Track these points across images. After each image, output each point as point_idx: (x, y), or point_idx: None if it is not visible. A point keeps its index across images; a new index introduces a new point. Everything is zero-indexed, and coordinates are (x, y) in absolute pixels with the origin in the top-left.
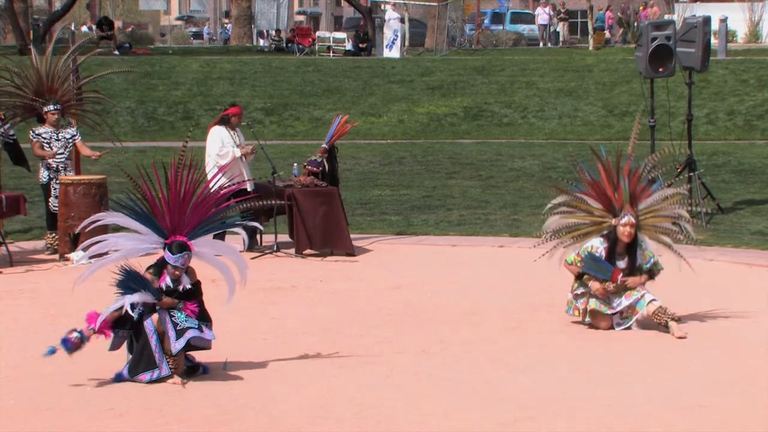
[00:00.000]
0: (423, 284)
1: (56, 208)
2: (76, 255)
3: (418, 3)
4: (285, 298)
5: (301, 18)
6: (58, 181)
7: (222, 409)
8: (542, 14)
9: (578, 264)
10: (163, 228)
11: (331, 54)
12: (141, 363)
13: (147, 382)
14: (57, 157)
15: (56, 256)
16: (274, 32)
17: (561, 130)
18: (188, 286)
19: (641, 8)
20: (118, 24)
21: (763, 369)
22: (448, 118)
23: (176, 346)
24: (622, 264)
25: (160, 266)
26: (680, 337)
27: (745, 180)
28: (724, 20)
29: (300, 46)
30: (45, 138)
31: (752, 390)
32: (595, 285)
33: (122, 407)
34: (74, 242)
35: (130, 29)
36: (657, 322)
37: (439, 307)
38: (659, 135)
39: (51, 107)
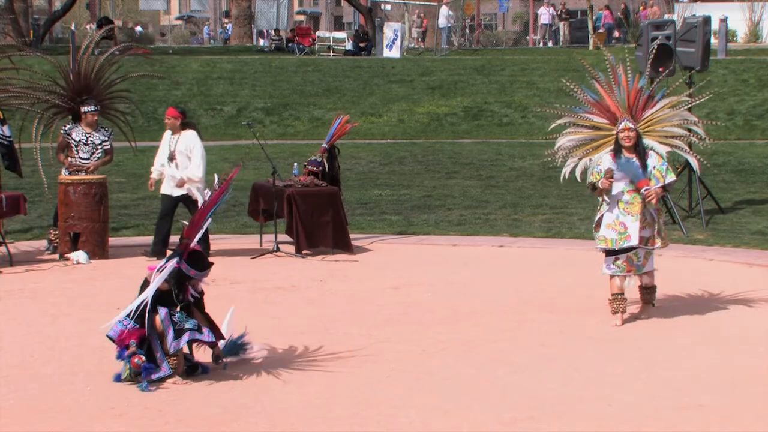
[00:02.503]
0: (423, 284)
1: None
2: (76, 254)
3: (417, 3)
4: (285, 298)
5: (301, 18)
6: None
7: (222, 408)
8: (545, 14)
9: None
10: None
11: (331, 54)
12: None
13: (148, 382)
14: (82, 160)
15: (56, 256)
16: (273, 32)
17: (560, 129)
18: (197, 295)
19: (641, 8)
20: (118, 23)
21: (762, 368)
22: (448, 118)
23: (174, 345)
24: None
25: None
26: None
27: (745, 180)
28: (724, 20)
29: (300, 46)
30: (75, 140)
31: (752, 389)
32: (603, 182)
33: (122, 407)
34: (74, 242)
35: (137, 27)
36: (642, 296)
37: (439, 307)
38: None
39: (91, 108)
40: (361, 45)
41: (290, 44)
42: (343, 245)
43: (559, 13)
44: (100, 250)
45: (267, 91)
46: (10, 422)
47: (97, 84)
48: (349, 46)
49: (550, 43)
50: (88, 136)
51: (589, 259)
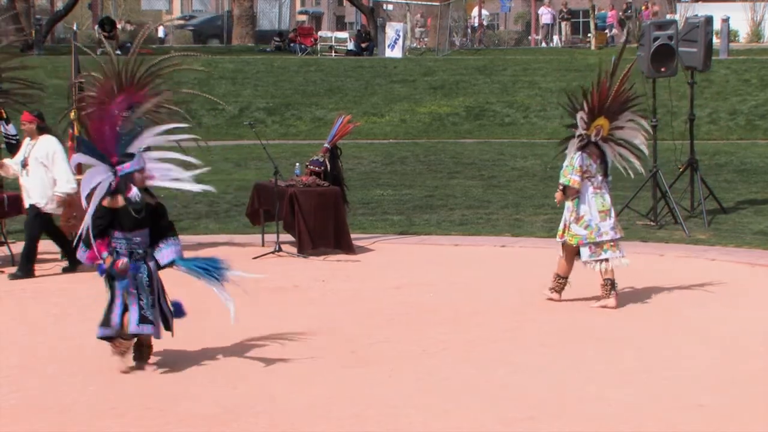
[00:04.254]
0: (424, 284)
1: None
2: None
3: (420, 3)
4: (287, 298)
5: (303, 18)
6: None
7: (223, 409)
8: (546, 14)
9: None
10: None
11: (333, 54)
12: (103, 318)
13: (98, 337)
14: None
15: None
16: (277, 36)
17: (563, 129)
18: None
19: (643, 8)
20: (120, 24)
21: (763, 369)
22: (450, 118)
23: (132, 329)
24: (594, 168)
25: (119, 189)
26: (603, 306)
27: (747, 180)
28: (726, 20)
29: (302, 46)
30: None
31: (752, 389)
32: (557, 195)
33: (123, 407)
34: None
35: (132, 29)
36: (602, 286)
37: (441, 307)
38: (661, 135)
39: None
40: (363, 45)
41: (292, 44)
42: (345, 245)
43: (561, 13)
44: None
45: (269, 91)
46: (11, 422)
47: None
48: (351, 46)
49: (557, 42)
50: None
51: None
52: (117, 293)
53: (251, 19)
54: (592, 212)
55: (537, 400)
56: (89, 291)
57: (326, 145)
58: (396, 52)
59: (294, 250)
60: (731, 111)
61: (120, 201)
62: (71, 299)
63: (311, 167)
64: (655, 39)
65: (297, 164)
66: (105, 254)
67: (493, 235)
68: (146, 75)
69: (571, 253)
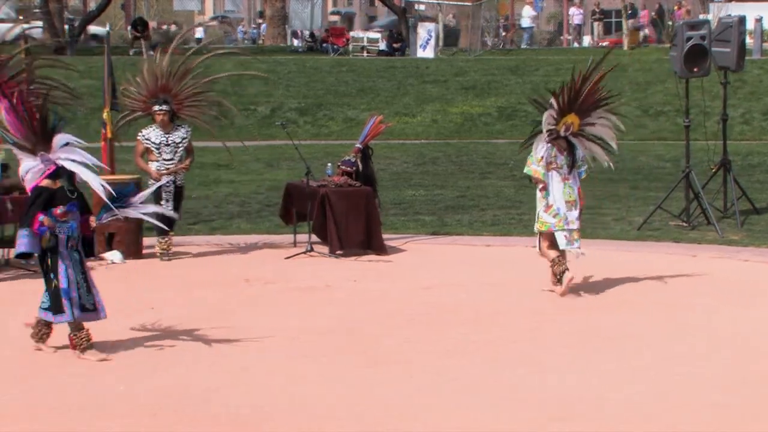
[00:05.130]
0: (456, 284)
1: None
2: (111, 254)
3: (451, 3)
4: (317, 298)
5: (335, 18)
6: (168, 185)
7: (245, 409)
8: (576, 14)
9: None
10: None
11: (365, 54)
12: (53, 305)
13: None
14: (166, 162)
15: (107, 258)
16: (307, 33)
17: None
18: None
19: (676, 8)
20: (152, 24)
21: None
22: (482, 118)
23: (78, 315)
24: (561, 160)
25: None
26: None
27: None
28: (759, 20)
29: (334, 46)
30: (154, 142)
31: None
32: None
33: (157, 406)
34: (109, 241)
35: (164, 29)
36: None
37: (470, 308)
38: (694, 135)
39: (158, 107)
40: (395, 45)
41: (324, 44)
42: (377, 246)
43: (593, 13)
44: (134, 250)
45: (301, 91)
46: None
47: (177, 84)
48: (382, 46)
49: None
50: (167, 136)
51: (620, 259)
52: (61, 278)
53: (283, 19)
54: (559, 202)
55: (562, 401)
56: (122, 291)
57: (358, 145)
58: (428, 53)
59: (325, 250)
60: (764, 111)
61: (57, 183)
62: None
63: (343, 167)
64: (688, 39)
65: (329, 164)
66: (41, 217)
67: (525, 236)
68: (178, 71)
69: (549, 239)
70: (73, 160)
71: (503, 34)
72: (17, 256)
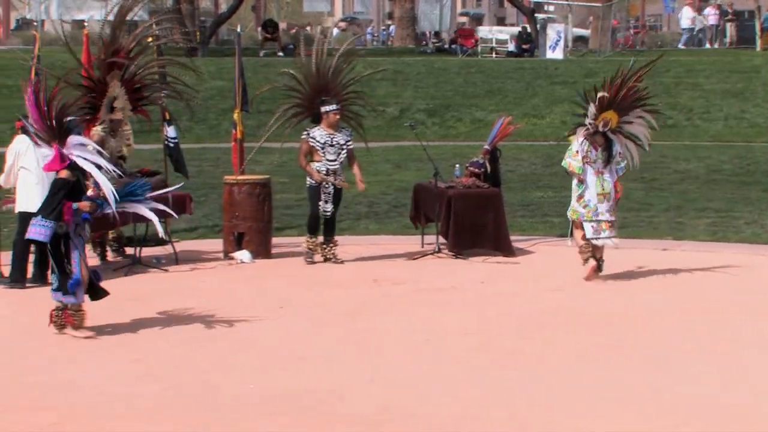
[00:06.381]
0: (584, 287)
1: (326, 213)
2: (240, 254)
3: (581, 4)
4: (445, 299)
5: (464, 19)
6: (327, 186)
7: (374, 409)
8: (712, 15)
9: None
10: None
11: (494, 55)
12: (63, 286)
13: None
14: (329, 162)
15: (237, 257)
16: (434, 34)
17: (727, 132)
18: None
19: None
20: (282, 25)
21: None
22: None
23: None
24: (594, 155)
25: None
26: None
27: None
28: None
29: (463, 47)
30: (319, 142)
31: None
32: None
33: (281, 407)
34: (239, 241)
35: (294, 30)
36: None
37: (599, 310)
38: None
39: (333, 107)
40: (524, 46)
41: (453, 45)
42: (505, 247)
43: (725, 14)
44: (263, 250)
45: (429, 92)
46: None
47: (335, 84)
48: (511, 47)
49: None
50: (332, 136)
51: (755, 263)
52: (74, 265)
53: (412, 20)
54: (591, 194)
55: (698, 407)
56: (252, 290)
57: (486, 146)
58: (557, 54)
59: (453, 251)
60: None
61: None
62: (234, 298)
63: (471, 169)
64: None
65: (457, 165)
66: (74, 205)
67: (655, 238)
68: (336, 70)
69: (581, 227)
70: (86, 159)
71: (633, 34)
72: (29, 242)
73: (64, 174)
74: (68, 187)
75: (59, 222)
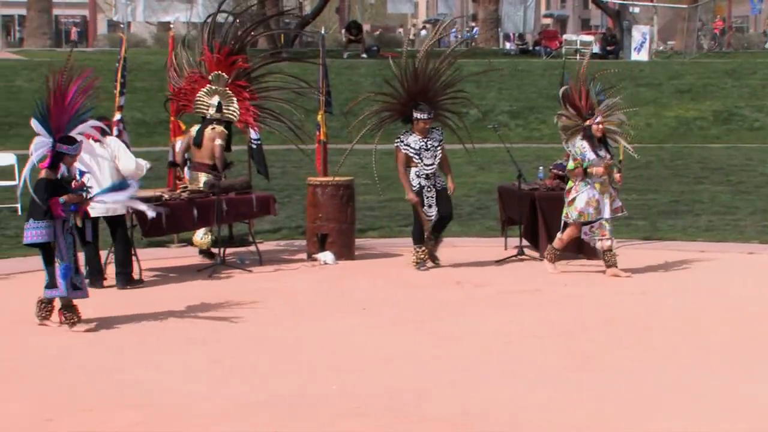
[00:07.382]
0: (669, 290)
1: (429, 217)
2: (323, 255)
3: (667, 6)
4: (528, 301)
5: (548, 21)
6: (429, 189)
7: (455, 410)
8: None
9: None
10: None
11: (578, 57)
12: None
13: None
14: (427, 167)
15: (320, 258)
16: (518, 36)
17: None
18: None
19: None
20: (366, 27)
21: None
22: (697, 122)
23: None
24: (602, 153)
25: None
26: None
27: None
28: None
29: (547, 49)
30: (414, 148)
31: None
32: (598, 169)
33: (366, 406)
34: (322, 243)
35: (377, 32)
36: (605, 260)
37: (685, 314)
38: None
39: (425, 116)
40: (609, 48)
41: (537, 47)
42: (588, 250)
43: None
44: (346, 251)
45: (513, 94)
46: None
47: (434, 85)
48: (596, 49)
49: None
50: (426, 140)
51: None
52: (65, 258)
53: (496, 22)
54: (594, 193)
55: None
56: (335, 292)
57: None
58: (642, 55)
59: (536, 254)
60: None
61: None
62: (317, 299)
63: (555, 171)
64: None
65: (540, 168)
66: (61, 199)
67: (741, 242)
68: (436, 72)
69: (575, 228)
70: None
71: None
72: (28, 246)
73: (44, 174)
74: (50, 186)
75: (74, 210)
